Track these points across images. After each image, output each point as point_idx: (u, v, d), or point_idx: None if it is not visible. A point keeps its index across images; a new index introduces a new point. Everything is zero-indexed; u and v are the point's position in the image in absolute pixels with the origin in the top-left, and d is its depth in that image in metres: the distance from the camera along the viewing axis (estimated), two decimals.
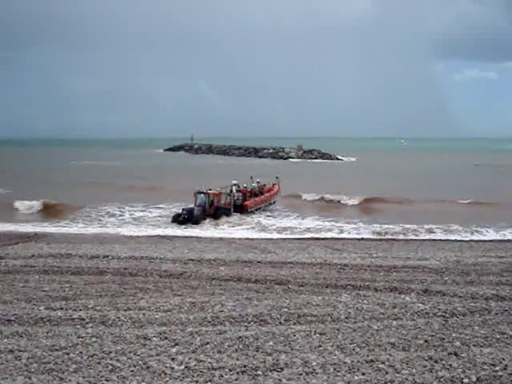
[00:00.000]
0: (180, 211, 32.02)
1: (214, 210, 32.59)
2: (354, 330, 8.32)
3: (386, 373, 6.64)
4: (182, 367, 6.83)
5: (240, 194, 35.68)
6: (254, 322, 8.82)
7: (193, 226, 30.45)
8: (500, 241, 25.30)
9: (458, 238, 26.61)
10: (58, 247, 19.51)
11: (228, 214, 33.17)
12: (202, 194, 32.85)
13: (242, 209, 34.56)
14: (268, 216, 34.46)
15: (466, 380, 6.45)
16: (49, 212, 35.94)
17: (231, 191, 35.16)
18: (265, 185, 39.64)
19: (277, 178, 40.25)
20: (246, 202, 35.17)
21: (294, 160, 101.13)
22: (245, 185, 37.30)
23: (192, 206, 32.37)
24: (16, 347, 7.51)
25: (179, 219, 31.16)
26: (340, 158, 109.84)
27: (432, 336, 8.04)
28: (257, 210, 35.79)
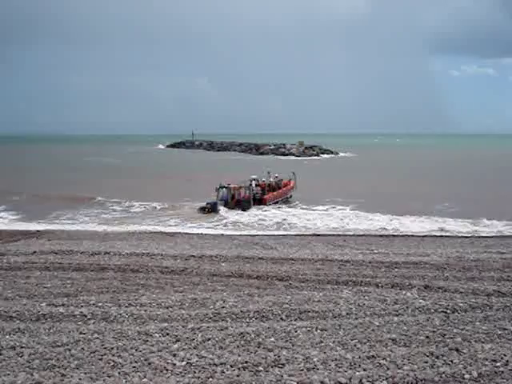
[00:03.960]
0: (204, 204, 34.38)
1: (235, 203, 35.22)
2: (355, 326, 8.32)
3: (388, 368, 6.65)
4: (184, 363, 6.84)
5: (259, 188, 37.83)
6: (256, 318, 8.83)
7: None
8: (501, 237, 25.27)
9: (459, 234, 26.61)
10: (60, 244, 19.53)
11: (248, 207, 35.41)
12: (224, 189, 35.47)
13: (261, 202, 36.91)
14: None
15: (467, 376, 6.45)
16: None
17: (250, 185, 37.12)
18: (281, 180, 41.38)
19: (293, 173, 41.92)
20: (265, 196, 37.48)
21: (295, 157, 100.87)
22: (263, 179, 39.26)
23: (215, 199, 34.83)
24: (18, 344, 7.52)
25: (204, 212, 33.79)
26: (342, 153, 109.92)
27: (433, 332, 8.05)
28: (275, 203, 37.88)
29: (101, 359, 6.99)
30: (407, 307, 9.46)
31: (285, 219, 32.15)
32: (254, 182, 37.92)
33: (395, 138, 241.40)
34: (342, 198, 40.04)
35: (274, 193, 38.93)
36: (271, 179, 40.64)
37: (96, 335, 7.91)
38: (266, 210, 35.36)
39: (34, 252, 16.66)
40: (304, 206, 37.14)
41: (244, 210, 35.02)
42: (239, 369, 6.66)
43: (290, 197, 40.58)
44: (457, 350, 7.29)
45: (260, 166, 55.44)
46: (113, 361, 6.93)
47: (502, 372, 6.57)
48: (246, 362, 6.83)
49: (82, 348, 7.37)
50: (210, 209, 34.09)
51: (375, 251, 17.84)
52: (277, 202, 38.19)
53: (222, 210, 34.39)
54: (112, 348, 7.37)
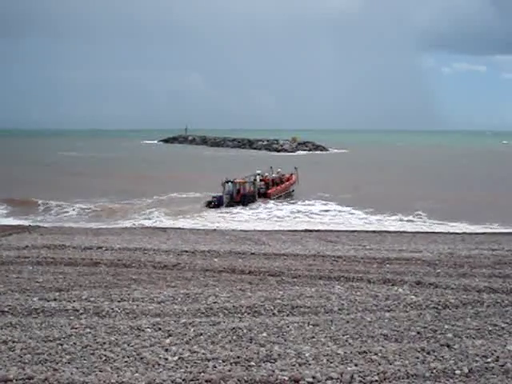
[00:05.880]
0: (211, 199, 35.83)
1: (240, 197, 36.55)
2: (347, 322, 8.35)
3: (379, 364, 6.67)
4: (176, 358, 6.84)
5: (263, 182, 39.41)
6: (248, 314, 8.84)
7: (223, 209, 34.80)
8: (492, 234, 25.40)
9: (451, 230, 26.72)
10: (52, 238, 19.47)
11: (253, 201, 37.01)
12: (230, 183, 36.69)
13: (265, 196, 38.45)
14: None
15: (458, 371, 6.49)
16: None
17: (255, 180, 38.60)
18: (284, 174, 43.10)
19: (295, 168, 43.59)
20: (269, 191, 39.10)
21: (288, 152, 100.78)
22: (266, 174, 40.89)
23: (221, 193, 36.07)
24: (10, 338, 7.50)
25: (211, 205, 35.14)
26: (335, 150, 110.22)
27: (424, 328, 8.08)
28: (278, 197, 39.43)
29: (93, 354, 6.98)
30: (399, 303, 9.49)
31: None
32: (258, 176, 39.23)
33: (384, 136, 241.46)
34: (334, 194, 40.25)
35: (278, 187, 40.41)
36: (274, 174, 42.04)
37: (88, 330, 7.90)
38: (267, 205, 36.39)
39: (26, 246, 16.60)
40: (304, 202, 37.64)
41: (249, 203, 36.41)
42: (231, 364, 6.67)
43: (293, 191, 42.14)
44: (448, 345, 7.32)
45: (254, 162, 55.54)
46: (105, 355, 6.92)
47: (493, 368, 6.61)
48: (238, 357, 6.84)
49: (74, 343, 7.36)
50: (216, 202, 35.32)
51: (367, 247, 17.90)
52: (280, 197, 39.63)
53: (225, 204, 35.48)
54: (104, 343, 7.36)
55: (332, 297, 9.91)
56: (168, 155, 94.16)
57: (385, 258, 14.81)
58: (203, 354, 6.98)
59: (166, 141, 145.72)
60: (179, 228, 26.50)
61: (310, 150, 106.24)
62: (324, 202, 37.30)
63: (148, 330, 7.93)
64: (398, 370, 6.47)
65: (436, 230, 26.71)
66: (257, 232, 24.84)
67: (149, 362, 6.71)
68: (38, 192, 38.95)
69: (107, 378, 6.24)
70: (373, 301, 9.63)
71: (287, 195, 40.97)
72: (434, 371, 6.48)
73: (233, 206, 35.57)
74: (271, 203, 36.81)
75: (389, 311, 9.02)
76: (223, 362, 6.74)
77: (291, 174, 43.53)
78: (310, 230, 26.12)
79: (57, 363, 6.67)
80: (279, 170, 43.26)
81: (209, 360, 6.78)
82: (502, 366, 6.66)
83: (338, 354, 7.00)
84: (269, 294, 10.11)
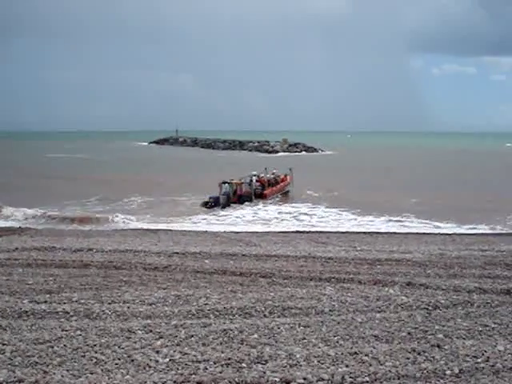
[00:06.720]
0: (207, 199, 36.00)
1: (237, 198, 37.11)
2: (338, 323, 8.36)
3: (370, 365, 6.69)
4: (167, 360, 6.83)
5: (259, 183, 40.04)
6: (239, 315, 8.84)
7: (221, 210, 34.85)
8: (482, 234, 25.54)
9: (441, 231, 26.83)
10: (42, 240, 19.40)
11: (249, 201, 37.55)
12: (227, 184, 37.10)
13: (261, 197, 38.99)
14: None
15: (448, 372, 6.51)
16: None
17: (251, 181, 39.18)
18: (279, 175, 43.89)
19: (290, 169, 44.35)
20: (266, 191, 39.77)
21: (279, 154, 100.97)
22: (262, 175, 41.58)
23: (217, 194, 36.39)
24: (0, 341, 7.46)
25: (207, 206, 35.37)
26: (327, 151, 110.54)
27: (415, 328, 8.11)
28: (274, 197, 40.09)
29: (83, 356, 6.96)
30: (389, 304, 9.52)
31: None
32: (254, 177, 39.79)
33: (375, 137, 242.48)
34: (323, 195, 40.46)
35: (274, 188, 41.13)
36: (268, 175, 42.55)
37: (79, 332, 7.87)
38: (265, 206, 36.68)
39: (16, 248, 16.53)
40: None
41: (245, 202, 36.95)
42: (222, 365, 6.67)
43: (288, 192, 42.92)
44: (438, 346, 7.35)
45: (246, 163, 55.57)
46: (95, 358, 6.90)
47: (483, 368, 6.64)
48: (229, 359, 6.84)
49: (65, 345, 7.33)
50: (213, 203, 35.53)
51: (358, 248, 17.93)
52: (276, 197, 40.30)
53: (222, 205, 35.72)
54: (95, 345, 7.34)
55: (323, 298, 9.92)
56: (160, 157, 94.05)
57: (375, 259, 14.84)
58: (194, 355, 6.98)
59: (157, 142, 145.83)
60: (170, 230, 26.46)
61: (300, 152, 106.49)
62: (313, 203, 37.42)
63: (139, 331, 7.91)
64: (389, 371, 6.49)
65: (426, 232, 26.79)
66: (248, 233, 24.85)
67: (140, 364, 6.69)
68: (27, 195, 38.73)
69: (98, 380, 6.23)
70: (363, 302, 9.65)
71: (283, 195, 41.63)
72: (425, 372, 6.50)
73: (229, 206, 35.84)
74: (265, 204, 36.95)
75: (379, 312, 9.04)
76: (214, 363, 6.73)
77: (285, 175, 44.24)
78: (301, 232, 26.17)
79: (47, 366, 6.65)
80: (274, 171, 43.83)
81: (200, 362, 6.77)
82: (493, 366, 6.70)
83: (329, 355, 7.02)
84: (260, 295, 10.12)
